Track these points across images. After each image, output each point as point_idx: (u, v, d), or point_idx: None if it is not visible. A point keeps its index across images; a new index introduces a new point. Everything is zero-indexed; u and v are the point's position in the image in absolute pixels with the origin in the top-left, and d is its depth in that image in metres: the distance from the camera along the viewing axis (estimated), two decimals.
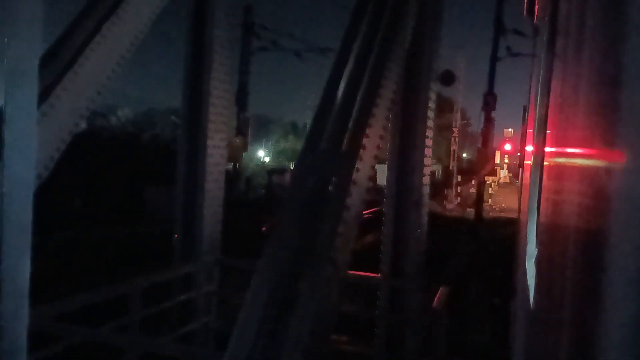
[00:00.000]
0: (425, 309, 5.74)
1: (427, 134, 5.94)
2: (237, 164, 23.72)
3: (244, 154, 25.48)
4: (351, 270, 5.51)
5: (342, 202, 3.28)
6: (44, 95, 4.46)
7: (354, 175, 3.44)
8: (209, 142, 6.53)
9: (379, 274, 6.00)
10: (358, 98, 3.77)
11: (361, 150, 3.55)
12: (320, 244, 3.09)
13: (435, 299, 5.83)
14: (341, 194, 3.32)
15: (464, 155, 58.07)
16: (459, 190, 38.28)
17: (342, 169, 3.44)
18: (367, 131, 3.66)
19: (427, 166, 6.11)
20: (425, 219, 6.15)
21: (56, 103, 4.42)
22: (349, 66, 3.95)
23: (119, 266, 9.82)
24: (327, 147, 3.57)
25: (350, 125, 3.65)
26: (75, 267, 10.51)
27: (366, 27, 4.19)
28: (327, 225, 3.18)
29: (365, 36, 4.15)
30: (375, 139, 3.80)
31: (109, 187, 17.33)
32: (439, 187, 37.20)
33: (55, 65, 4.60)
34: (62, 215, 14.08)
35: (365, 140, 3.62)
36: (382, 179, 6.25)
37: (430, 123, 6.03)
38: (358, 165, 3.50)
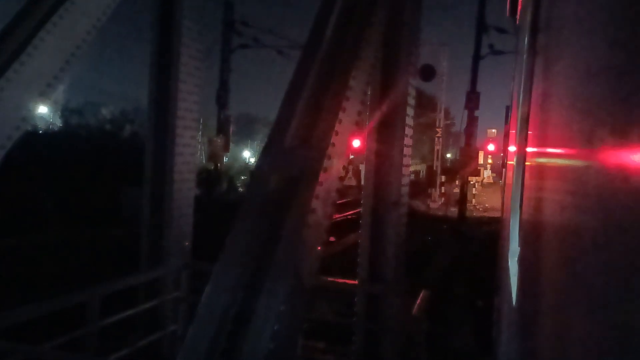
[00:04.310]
0: (405, 315, 5.46)
1: (406, 131, 5.65)
2: (219, 164, 23.27)
3: (227, 153, 25.06)
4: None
5: (308, 205, 2.96)
6: None
7: (322, 175, 3.12)
8: (178, 140, 6.20)
9: (357, 280, 5.70)
10: (327, 91, 3.46)
11: (330, 148, 3.23)
12: (281, 252, 2.78)
13: (416, 305, 5.56)
14: (306, 196, 3.00)
15: (448, 155, 58.06)
16: (442, 190, 38.25)
17: (308, 167, 3.13)
18: (337, 127, 3.34)
19: (407, 166, 5.81)
20: (404, 220, 5.86)
21: None
22: (319, 56, 3.63)
23: (83, 271, 9.38)
24: (293, 144, 3.25)
25: (318, 120, 3.34)
26: (35, 272, 10.05)
27: (337, 15, 3.88)
28: (290, 230, 2.86)
29: (337, 24, 3.83)
30: (346, 135, 3.49)
31: (84, 187, 16.79)
32: (423, 187, 37.22)
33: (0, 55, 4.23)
34: (31, 217, 13.59)
35: (334, 138, 3.31)
36: None
37: (409, 120, 5.73)
38: (326, 164, 3.18)
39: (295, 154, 3.19)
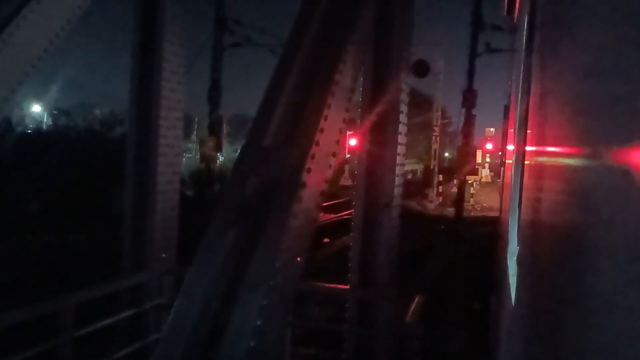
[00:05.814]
0: (397, 321, 5.24)
1: (400, 129, 5.41)
2: (212, 165, 22.95)
3: (220, 153, 24.71)
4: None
5: (288, 209, 2.72)
6: None
7: (305, 177, 2.88)
8: (161, 141, 5.97)
9: (348, 285, 5.47)
10: (310, 86, 3.22)
11: (314, 147, 3.00)
12: (259, 260, 2.54)
13: (410, 311, 5.34)
14: (287, 199, 2.76)
15: (446, 154, 57.85)
16: (440, 190, 38.05)
17: (289, 168, 2.89)
18: (322, 124, 3.11)
19: (401, 165, 5.59)
20: (397, 222, 5.63)
21: None
22: (302, 49, 3.39)
23: (63, 277, 9.07)
24: (273, 143, 3.02)
25: (300, 117, 3.10)
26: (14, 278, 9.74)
27: (323, 8, 3.64)
28: (268, 235, 2.62)
29: (321, 17, 3.60)
30: (333, 133, 3.25)
31: (71, 189, 16.46)
32: (420, 187, 37.01)
33: None
34: (16, 220, 13.30)
35: (319, 136, 3.07)
36: None
37: (403, 118, 5.49)
38: (310, 164, 2.94)
39: (275, 154, 2.95)
